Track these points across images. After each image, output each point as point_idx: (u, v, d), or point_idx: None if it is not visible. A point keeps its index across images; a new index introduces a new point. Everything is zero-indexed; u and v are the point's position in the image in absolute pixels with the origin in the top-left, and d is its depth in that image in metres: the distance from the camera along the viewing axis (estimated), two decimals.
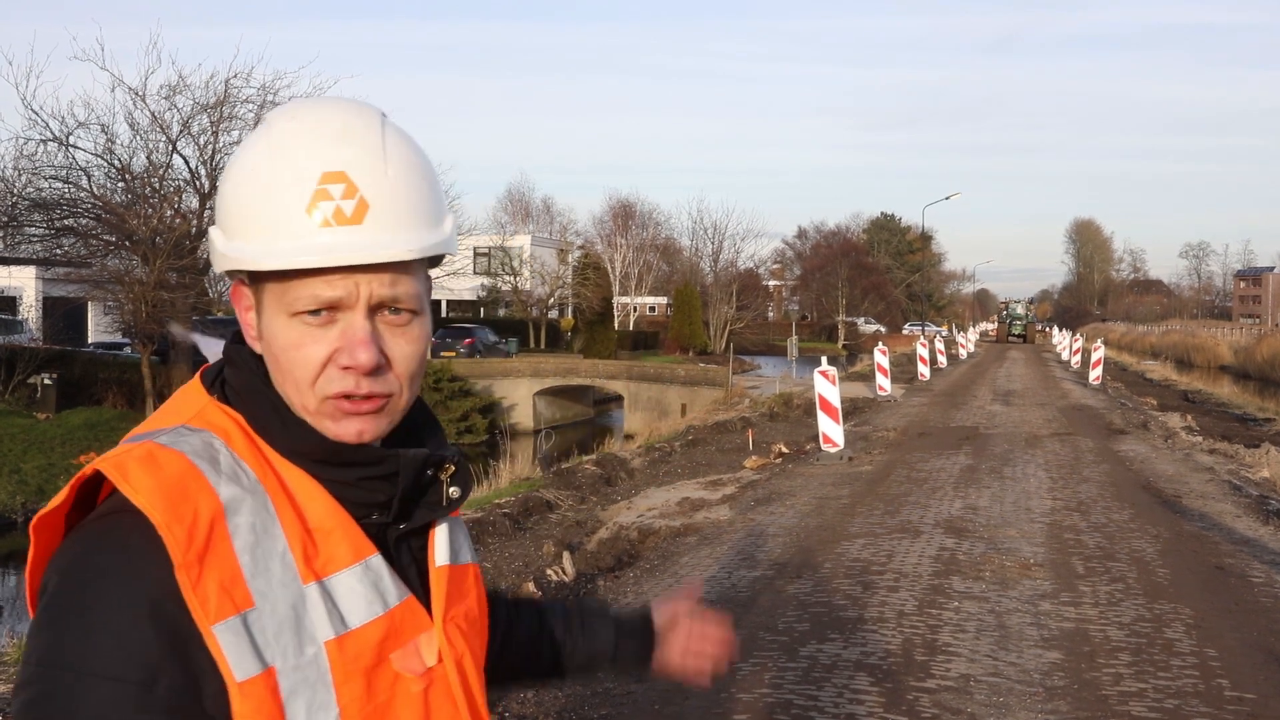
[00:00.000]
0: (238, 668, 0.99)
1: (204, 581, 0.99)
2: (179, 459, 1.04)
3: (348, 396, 1.09)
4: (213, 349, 1.25)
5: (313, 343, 1.08)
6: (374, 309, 1.09)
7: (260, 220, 1.08)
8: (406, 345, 1.11)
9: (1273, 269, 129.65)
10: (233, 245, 1.10)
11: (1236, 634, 6.58)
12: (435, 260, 1.17)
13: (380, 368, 1.09)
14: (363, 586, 1.09)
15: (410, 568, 1.16)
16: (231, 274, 1.15)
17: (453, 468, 1.18)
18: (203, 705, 0.99)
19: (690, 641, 1.64)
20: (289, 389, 1.10)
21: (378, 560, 1.11)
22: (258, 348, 1.14)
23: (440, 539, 1.20)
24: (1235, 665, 6.00)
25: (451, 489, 1.18)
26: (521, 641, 1.55)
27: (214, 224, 1.15)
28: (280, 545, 1.05)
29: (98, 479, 1.05)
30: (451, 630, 1.17)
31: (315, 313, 1.07)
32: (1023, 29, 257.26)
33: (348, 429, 1.10)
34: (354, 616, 1.08)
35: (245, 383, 1.14)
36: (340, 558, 1.09)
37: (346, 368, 1.07)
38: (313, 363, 1.08)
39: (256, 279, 1.12)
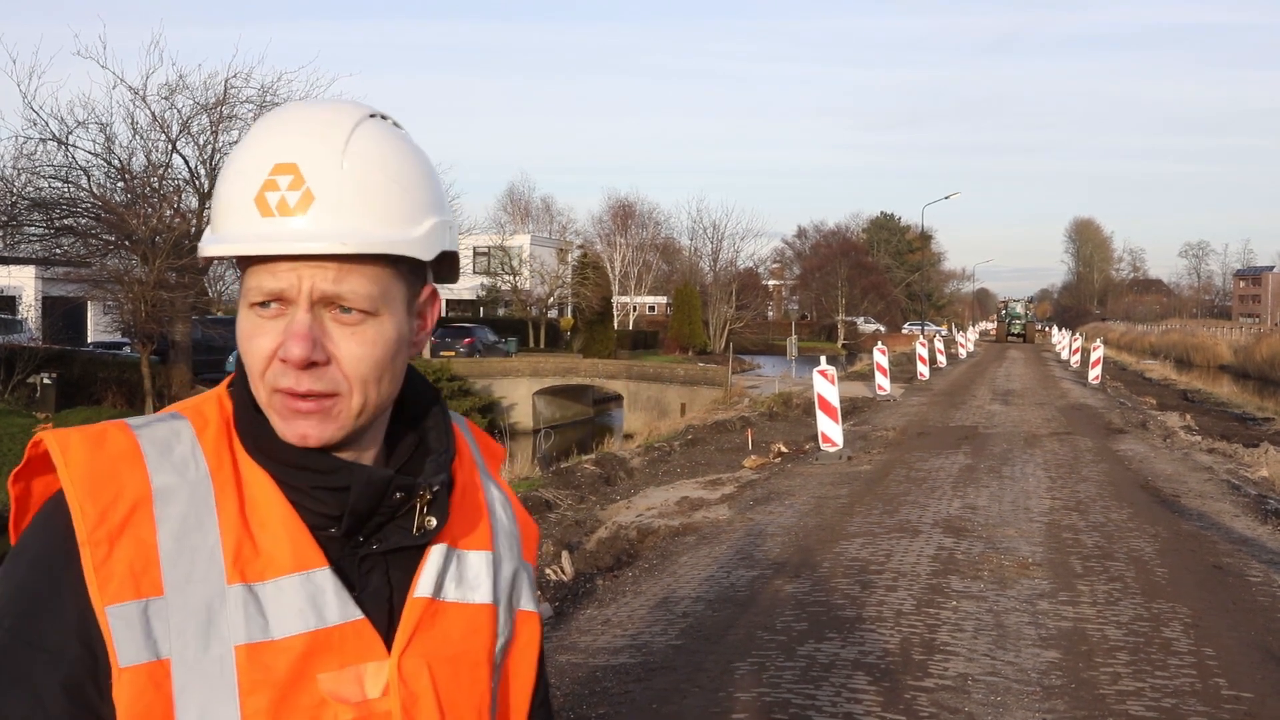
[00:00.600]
0: (123, 653, 0.99)
1: (111, 561, 1.00)
2: (127, 441, 1.06)
3: (290, 393, 1.07)
4: None
5: (262, 334, 1.07)
6: (320, 304, 1.06)
7: (218, 209, 1.09)
8: (356, 346, 1.07)
9: (1272, 268, 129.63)
10: (206, 231, 1.12)
11: (1234, 633, 6.59)
12: (442, 265, 1.15)
13: (317, 364, 1.06)
14: (296, 598, 1.05)
15: (381, 592, 1.11)
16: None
17: (429, 495, 1.12)
18: (97, 683, 1.00)
19: None
20: (251, 381, 1.10)
21: (323, 574, 1.07)
22: None
23: (430, 569, 1.14)
24: (1232, 664, 6.01)
25: (429, 518, 1.13)
26: None
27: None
28: (211, 541, 1.04)
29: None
30: (413, 667, 1.10)
31: (265, 304, 1.07)
32: (1023, 29, 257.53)
33: (293, 430, 1.07)
34: (278, 627, 1.04)
35: (236, 380, 1.14)
36: (279, 565, 1.06)
37: (283, 360, 1.06)
38: (261, 354, 1.07)
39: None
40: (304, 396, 1.06)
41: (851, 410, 20.44)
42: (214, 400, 1.13)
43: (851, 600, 7.24)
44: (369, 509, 1.09)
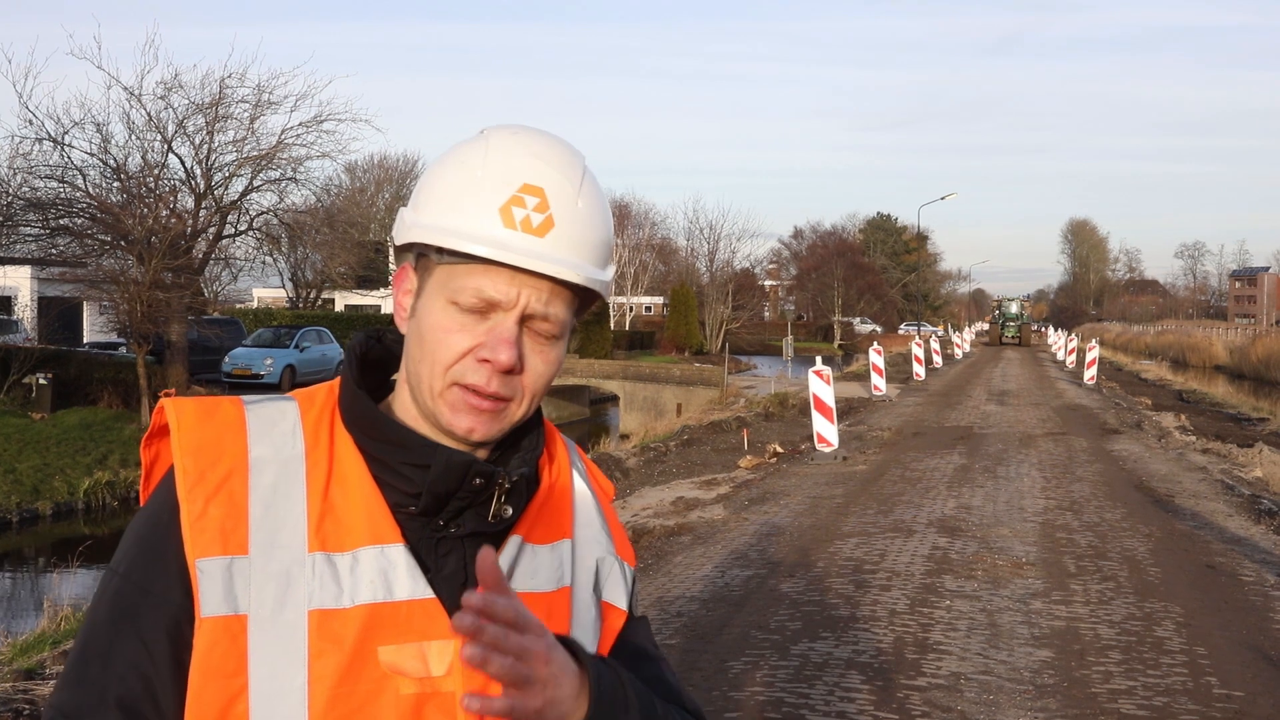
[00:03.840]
0: (207, 603, 1.07)
1: (205, 519, 1.09)
2: (236, 414, 1.16)
3: (476, 390, 1.14)
4: None
5: (460, 331, 1.14)
6: (525, 318, 1.14)
7: (454, 205, 1.15)
8: (541, 363, 1.17)
9: (1268, 269, 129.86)
10: (420, 219, 1.17)
11: (1226, 632, 6.62)
12: (587, 301, 1.22)
13: (513, 371, 1.14)
14: (368, 570, 1.11)
15: (457, 575, 1.15)
16: (400, 257, 1.22)
17: (507, 484, 1.17)
18: (192, 628, 1.08)
19: None
20: (424, 369, 1.15)
21: (398, 550, 1.12)
22: (404, 327, 1.20)
23: (504, 557, 1.18)
24: (1224, 663, 6.04)
25: (505, 506, 1.17)
26: None
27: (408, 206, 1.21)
28: (297, 511, 1.11)
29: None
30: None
31: (473, 307, 1.13)
32: (1020, 31, 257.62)
33: (461, 422, 1.15)
34: (349, 596, 1.10)
35: (346, 363, 1.23)
36: (356, 537, 1.12)
37: (485, 360, 1.13)
38: (457, 349, 1.14)
39: (424, 263, 1.18)
40: (490, 396, 1.14)
41: (847, 410, 20.47)
42: (325, 387, 1.22)
43: (846, 600, 7.26)
44: (447, 490, 1.15)
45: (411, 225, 1.17)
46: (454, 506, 1.15)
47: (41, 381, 22.75)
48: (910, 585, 7.64)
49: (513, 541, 1.20)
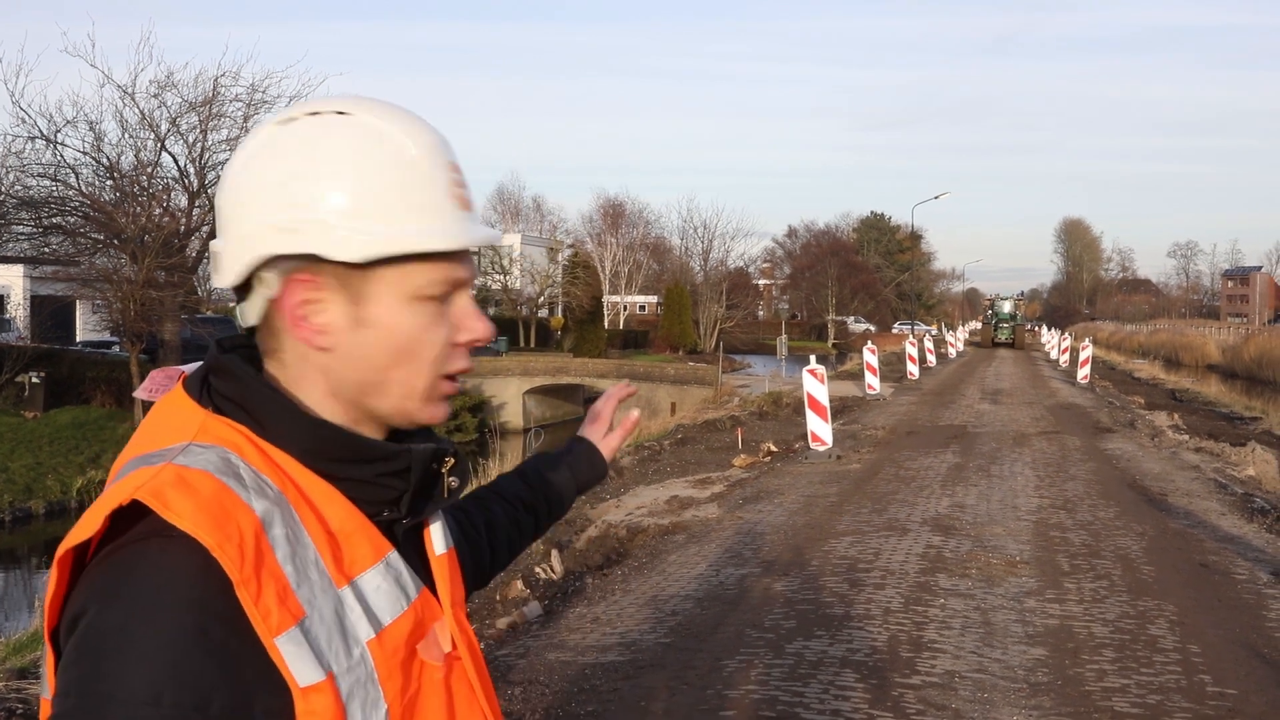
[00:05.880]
0: (300, 675, 0.99)
1: (263, 597, 0.98)
2: (208, 479, 1.01)
3: (463, 374, 1.15)
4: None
5: (438, 323, 1.12)
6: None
7: (413, 204, 1.09)
8: None
9: (1260, 268, 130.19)
10: (390, 230, 1.07)
11: (1219, 630, 6.64)
12: None
13: None
14: (387, 583, 1.11)
15: (414, 559, 1.18)
16: (280, 266, 1.08)
17: (452, 460, 1.20)
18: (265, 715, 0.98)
19: (610, 419, 1.81)
20: (404, 373, 1.10)
21: (395, 556, 1.13)
22: (320, 342, 1.09)
23: (435, 528, 1.23)
24: (1217, 661, 6.05)
25: (451, 480, 1.20)
26: (504, 525, 1.66)
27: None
28: (312, 553, 1.05)
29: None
30: (460, 615, 1.21)
31: (442, 295, 1.12)
32: (1015, 32, 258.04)
33: (438, 413, 1.15)
34: (385, 614, 1.10)
35: (248, 390, 1.09)
36: (363, 558, 1.10)
37: (464, 342, 1.13)
38: (441, 342, 1.12)
39: (333, 269, 1.07)
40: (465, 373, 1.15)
41: (841, 409, 20.49)
42: (216, 422, 1.08)
43: (840, 598, 7.26)
44: (426, 485, 1.17)
45: (385, 236, 1.07)
46: (418, 499, 1.17)
47: (34, 380, 22.71)
48: (904, 584, 7.65)
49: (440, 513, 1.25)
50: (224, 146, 25.87)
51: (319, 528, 1.06)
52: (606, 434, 1.79)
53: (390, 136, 1.10)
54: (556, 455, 1.77)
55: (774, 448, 15.27)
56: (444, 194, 1.11)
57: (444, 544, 1.23)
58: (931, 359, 38.53)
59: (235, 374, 1.10)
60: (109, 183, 24.81)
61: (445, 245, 1.09)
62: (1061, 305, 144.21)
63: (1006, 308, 58.15)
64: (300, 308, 1.08)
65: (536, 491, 1.72)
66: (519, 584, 7.50)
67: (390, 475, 1.12)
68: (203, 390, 1.11)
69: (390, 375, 1.10)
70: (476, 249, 1.15)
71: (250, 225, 1.08)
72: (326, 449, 1.10)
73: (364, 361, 1.10)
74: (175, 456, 1.02)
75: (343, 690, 1.03)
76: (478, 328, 1.13)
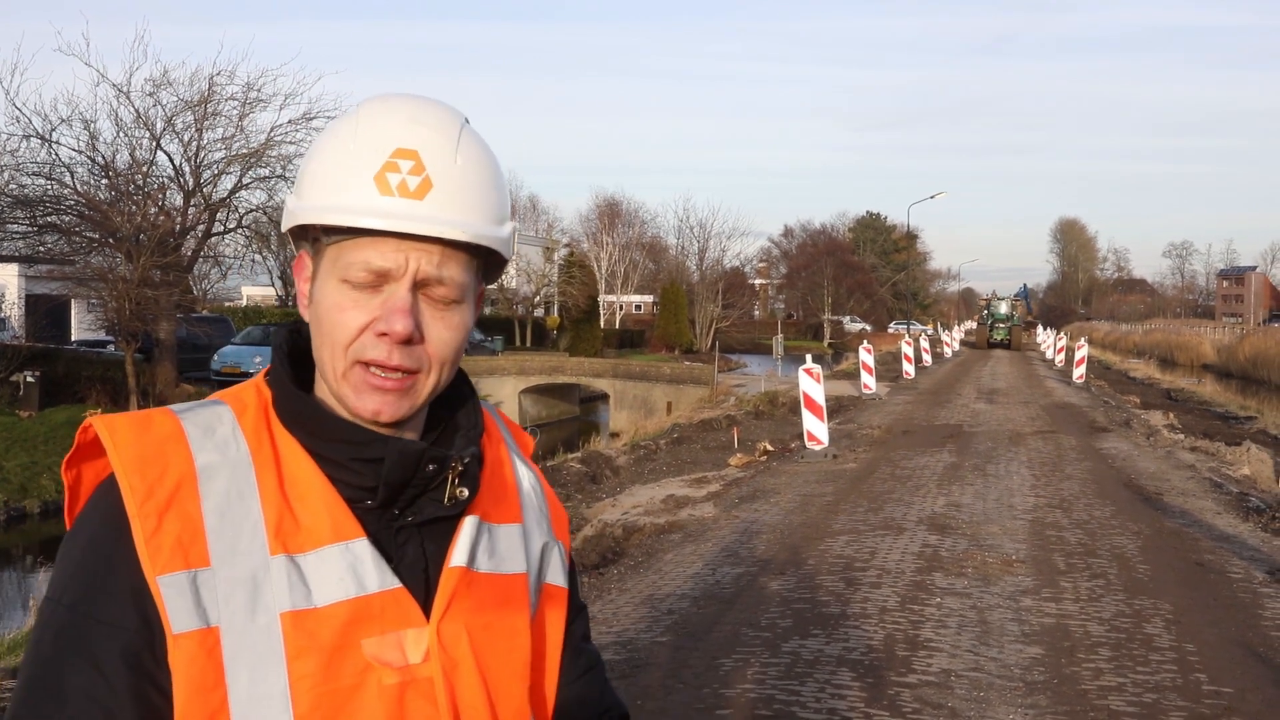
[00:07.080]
0: (176, 620, 1.04)
1: (160, 534, 1.05)
2: (172, 424, 1.11)
3: (380, 366, 1.12)
4: None
5: (354, 307, 1.12)
6: (419, 285, 1.12)
7: (330, 182, 1.13)
8: (444, 329, 1.14)
9: (1255, 268, 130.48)
10: (300, 204, 1.15)
11: (1215, 629, 6.65)
12: (492, 266, 1.21)
13: (413, 340, 1.12)
14: (336, 567, 1.09)
15: (417, 563, 1.15)
16: (296, 244, 1.20)
17: (460, 467, 1.17)
18: (154, 652, 1.04)
19: None
20: (325, 353, 1.14)
21: (361, 544, 1.11)
22: (306, 315, 1.18)
23: (464, 541, 1.18)
24: (1213, 660, 6.06)
25: (460, 489, 1.17)
26: None
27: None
28: (254, 515, 1.08)
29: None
30: (452, 633, 1.14)
31: (363, 281, 1.12)
32: (1012, 32, 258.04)
33: (366, 404, 1.12)
34: (320, 595, 1.08)
35: (275, 362, 1.19)
36: (318, 535, 1.10)
37: (382, 334, 1.11)
38: (352, 326, 1.12)
39: (317, 246, 1.16)
40: (393, 370, 1.12)
41: (837, 409, 20.50)
42: (252, 387, 1.18)
43: (836, 597, 7.27)
44: (403, 480, 1.14)
45: (294, 210, 1.15)
46: (409, 495, 1.15)
47: (29, 379, 22.64)
48: (901, 583, 7.65)
49: (470, 522, 1.19)
50: (219, 145, 25.86)
51: (277, 496, 1.10)
52: None
53: (351, 121, 1.15)
54: None
55: (770, 447, 15.27)
56: (367, 175, 1.11)
57: (467, 558, 1.17)
58: (927, 358, 38.56)
59: (275, 346, 1.21)
60: (104, 181, 24.76)
61: (341, 221, 1.11)
62: (1057, 305, 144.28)
63: (1003, 309, 57.09)
64: (299, 280, 1.19)
65: None
66: None
67: (363, 461, 1.13)
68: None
69: (320, 353, 1.15)
70: (426, 235, 1.11)
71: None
72: (299, 420, 1.14)
73: (313, 336, 1.17)
74: (191, 404, 1.16)
75: (226, 649, 1.05)
76: (393, 321, 1.10)
